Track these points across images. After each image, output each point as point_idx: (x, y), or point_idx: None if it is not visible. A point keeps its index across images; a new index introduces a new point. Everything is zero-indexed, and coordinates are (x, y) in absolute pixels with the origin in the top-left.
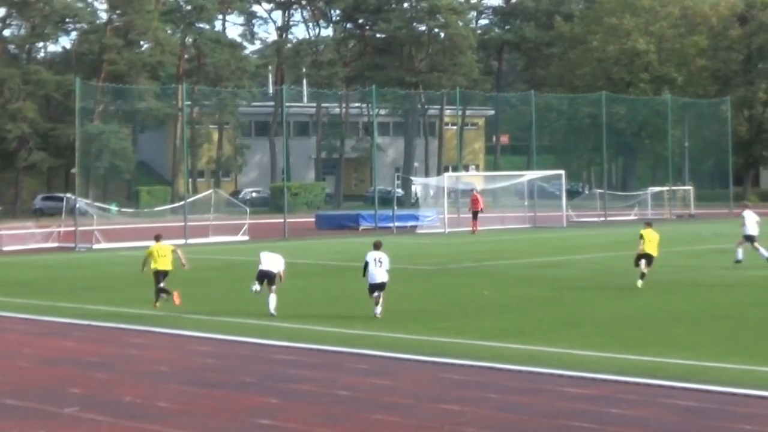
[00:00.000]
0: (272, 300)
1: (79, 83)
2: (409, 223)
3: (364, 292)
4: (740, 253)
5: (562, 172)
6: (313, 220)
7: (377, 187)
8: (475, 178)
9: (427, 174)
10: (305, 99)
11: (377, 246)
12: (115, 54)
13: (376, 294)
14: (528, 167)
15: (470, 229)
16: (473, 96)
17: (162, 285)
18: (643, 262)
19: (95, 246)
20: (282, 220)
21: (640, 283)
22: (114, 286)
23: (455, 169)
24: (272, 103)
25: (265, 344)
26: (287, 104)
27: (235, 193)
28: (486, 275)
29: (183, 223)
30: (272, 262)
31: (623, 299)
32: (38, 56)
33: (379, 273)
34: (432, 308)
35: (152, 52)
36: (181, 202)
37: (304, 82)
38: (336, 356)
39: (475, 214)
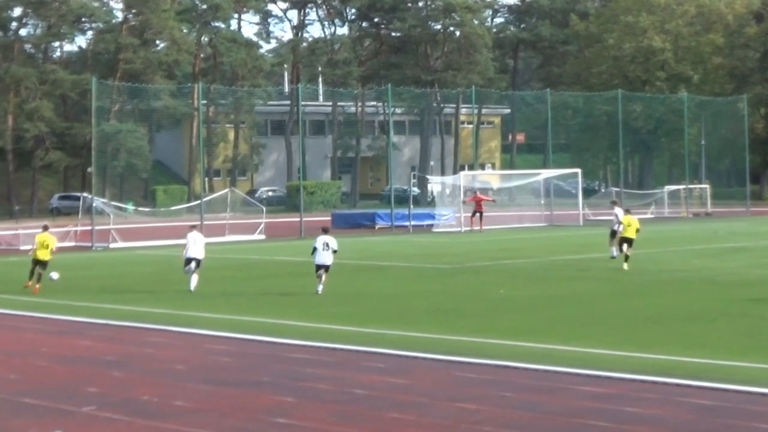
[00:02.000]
0: (195, 280)
1: (95, 82)
2: (425, 222)
3: (381, 290)
4: None
5: (578, 170)
6: (329, 218)
7: (393, 185)
8: (491, 177)
9: (443, 173)
10: (321, 98)
11: (325, 230)
12: (131, 53)
13: (320, 272)
14: (544, 166)
15: (476, 228)
16: (489, 94)
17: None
18: (625, 246)
19: (112, 245)
20: (298, 219)
21: (626, 265)
22: (130, 285)
23: (471, 168)
24: (288, 102)
25: (281, 343)
26: (303, 103)
27: (252, 192)
28: (502, 274)
29: (199, 222)
30: (198, 249)
31: (639, 298)
32: (54, 56)
33: (325, 255)
34: (447, 307)
35: (168, 51)
36: (198, 201)
37: (320, 80)
38: (351, 355)
39: (476, 214)
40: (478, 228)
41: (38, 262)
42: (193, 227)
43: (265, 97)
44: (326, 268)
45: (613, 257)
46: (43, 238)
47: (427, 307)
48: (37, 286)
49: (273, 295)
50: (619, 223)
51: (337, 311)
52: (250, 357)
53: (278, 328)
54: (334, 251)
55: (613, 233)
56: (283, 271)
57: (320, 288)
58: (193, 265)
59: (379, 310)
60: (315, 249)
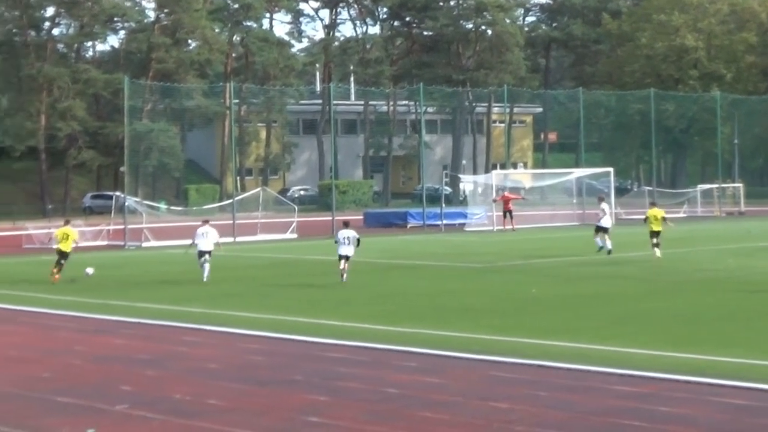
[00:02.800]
0: (207, 269)
1: (128, 82)
2: (458, 221)
3: (414, 289)
4: None
5: (610, 169)
6: (361, 217)
7: (425, 184)
8: (523, 176)
9: (475, 171)
10: (353, 97)
11: (346, 224)
12: (163, 52)
13: (343, 262)
14: (576, 165)
15: (508, 228)
16: (521, 93)
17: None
18: (654, 239)
19: (144, 244)
20: (330, 218)
21: (658, 252)
22: (163, 283)
23: (503, 167)
24: (320, 101)
25: (314, 342)
26: (335, 102)
27: (284, 191)
28: (534, 273)
29: (231, 221)
30: (208, 241)
31: (673, 296)
32: (87, 55)
33: (347, 248)
34: (480, 306)
35: (200, 50)
36: (230, 200)
37: (352, 80)
38: (384, 354)
39: (507, 213)
40: (511, 227)
41: (60, 254)
42: (205, 221)
43: (296, 97)
44: (347, 258)
45: (600, 248)
46: (63, 232)
47: (460, 306)
48: (57, 276)
49: (306, 294)
50: (603, 216)
51: (369, 310)
52: (284, 356)
53: (311, 327)
54: (357, 240)
55: (598, 228)
56: (315, 270)
57: (344, 277)
58: (207, 257)
59: (411, 309)
60: (337, 242)
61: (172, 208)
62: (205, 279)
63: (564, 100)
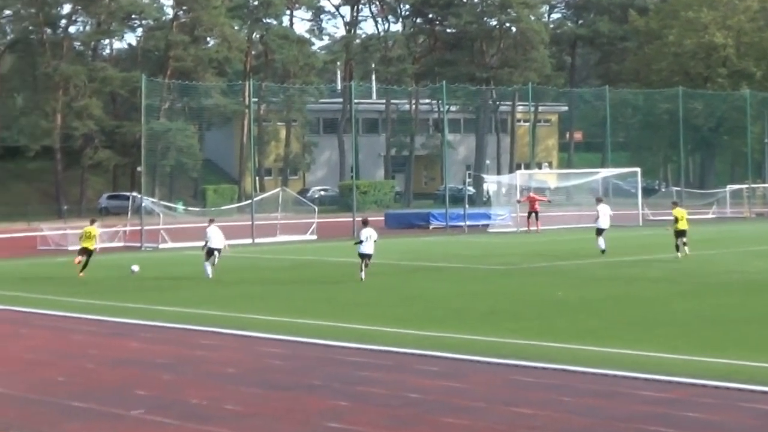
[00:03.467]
0: (209, 269)
1: (145, 80)
2: (481, 222)
3: (436, 291)
4: None
5: (637, 169)
6: (383, 218)
7: (448, 185)
8: (548, 176)
9: (499, 171)
10: (374, 95)
11: (366, 223)
12: (181, 50)
13: (365, 262)
14: (602, 164)
15: (532, 229)
16: (546, 92)
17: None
18: (680, 239)
19: (161, 245)
20: (351, 219)
21: (687, 250)
22: (180, 286)
23: (528, 167)
24: (341, 100)
25: (334, 345)
26: (356, 101)
27: (303, 192)
28: (560, 275)
29: (250, 222)
30: (218, 239)
31: (701, 299)
32: (104, 53)
33: (369, 246)
34: (504, 309)
35: (219, 48)
36: (248, 201)
37: (373, 78)
38: (406, 358)
39: (532, 215)
40: (535, 228)
41: (83, 251)
42: (211, 221)
43: (317, 95)
44: (369, 256)
45: (603, 250)
46: (87, 230)
47: (483, 309)
48: (81, 274)
49: (326, 296)
50: (600, 217)
51: (391, 313)
52: (303, 360)
53: (331, 330)
54: (375, 240)
55: (598, 231)
56: (335, 272)
57: (362, 275)
58: (216, 254)
59: (433, 312)
60: (361, 241)
61: (190, 209)
62: (210, 275)
63: (590, 98)
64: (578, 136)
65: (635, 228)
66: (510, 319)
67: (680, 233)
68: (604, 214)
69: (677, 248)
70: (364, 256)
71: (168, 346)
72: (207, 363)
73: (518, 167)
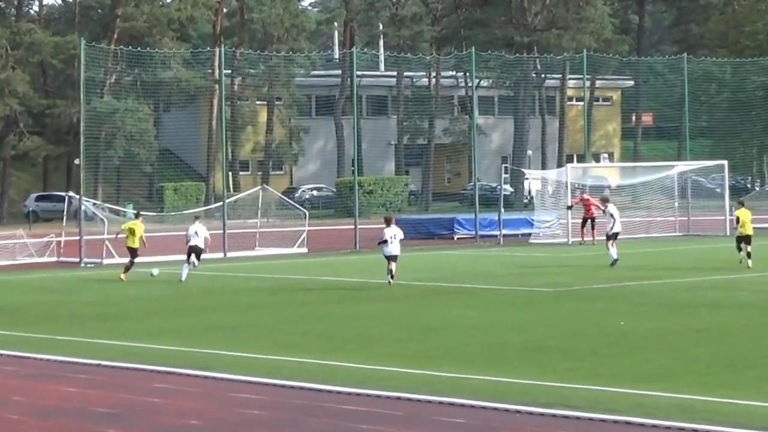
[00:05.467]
0: (186, 270)
1: (85, 46)
2: (521, 231)
3: (462, 321)
4: None
5: (724, 162)
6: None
7: (478, 182)
8: (607, 171)
9: (544, 165)
10: (382, 66)
11: (389, 221)
12: (131, 8)
13: (392, 265)
14: (678, 156)
15: (587, 240)
16: (605, 62)
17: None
18: (743, 245)
19: (106, 261)
20: (352, 227)
21: (750, 263)
22: (129, 313)
23: (581, 159)
24: (339, 72)
25: (329, 390)
26: (358, 73)
27: (290, 191)
28: (623, 300)
29: (221, 231)
30: (200, 239)
31: None
32: (30, 11)
33: (394, 247)
34: (550, 344)
35: (181, 5)
36: (219, 203)
37: (381, 44)
38: (422, 407)
39: (588, 222)
40: (591, 239)
41: (130, 251)
42: (196, 218)
43: (308, 66)
44: (395, 258)
45: (614, 261)
46: (129, 227)
47: (523, 343)
48: (123, 275)
49: (319, 327)
50: (614, 222)
51: (402, 349)
52: (288, 409)
53: (325, 370)
54: (401, 240)
55: (609, 236)
56: (331, 296)
57: (391, 280)
58: (193, 257)
59: (458, 348)
60: (385, 241)
61: (143, 213)
62: (183, 279)
63: (663, 70)
64: (647, 119)
65: (721, 238)
66: (558, 357)
67: (743, 239)
68: (616, 217)
69: (747, 255)
70: (390, 258)
71: (113, 392)
72: (163, 413)
73: (569, 159)
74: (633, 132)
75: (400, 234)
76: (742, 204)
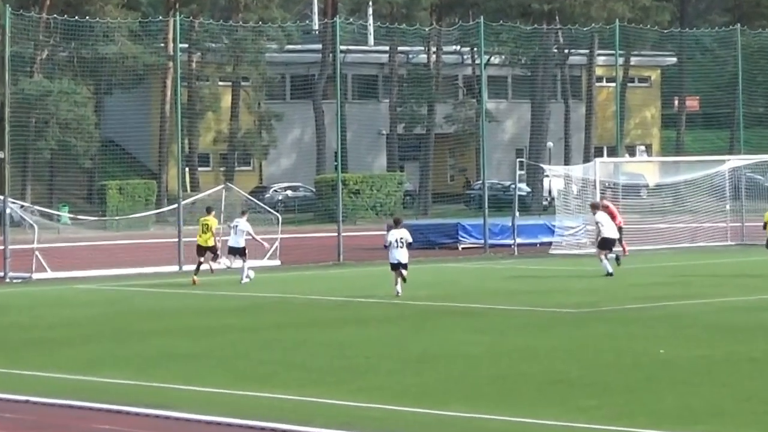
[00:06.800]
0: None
1: (10, 15)
2: (540, 239)
3: (469, 348)
4: None
5: None
6: (384, 233)
7: (488, 180)
8: (644, 167)
9: (567, 160)
10: (371, 40)
11: (397, 222)
12: None
13: (399, 273)
14: (731, 149)
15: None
16: (642, 34)
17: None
18: None
19: (36, 275)
20: (334, 235)
21: None
22: (67, 339)
23: (613, 153)
24: (319, 47)
25: None
26: (343, 48)
27: (260, 192)
28: (663, 323)
29: (176, 239)
30: (238, 237)
31: None
32: None
33: (401, 253)
34: (575, 375)
35: None
36: (173, 206)
37: (370, 12)
38: None
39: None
40: (621, 250)
41: (199, 249)
42: (243, 212)
43: (281, 39)
44: (404, 266)
45: (608, 273)
46: (203, 222)
47: (542, 375)
48: (195, 278)
49: (296, 355)
50: (603, 227)
51: (396, 382)
52: None
53: (303, 408)
54: (409, 244)
55: (602, 242)
56: (310, 317)
57: (398, 288)
58: (226, 259)
59: (463, 381)
60: (390, 245)
61: (81, 217)
62: (247, 279)
63: (712, 44)
64: (693, 104)
65: None
66: (584, 392)
67: None
68: (608, 222)
69: None
70: (396, 266)
71: None
72: None
73: (598, 153)
74: (675, 120)
75: (407, 237)
76: None
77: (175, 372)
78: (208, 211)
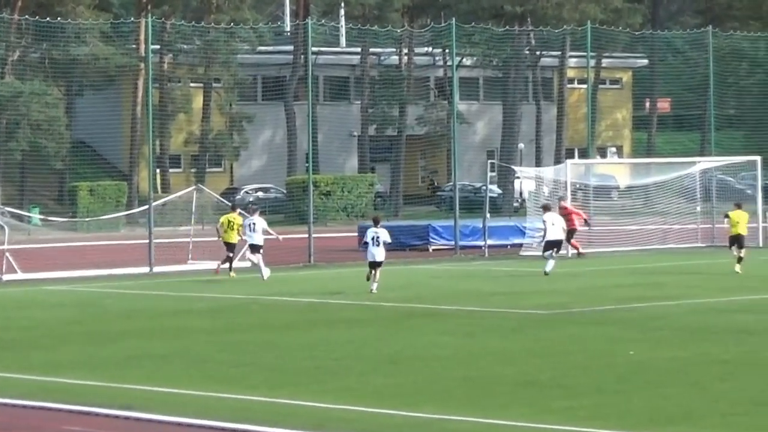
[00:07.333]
0: (263, 268)
1: None
2: (511, 240)
3: (440, 350)
4: None
5: (757, 158)
6: (356, 235)
7: (459, 182)
8: (616, 168)
9: (538, 162)
10: (343, 41)
11: (376, 222)
12: None
13: (374, 272)
14: (702, 151)
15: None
16: (614, 36)
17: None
18: (734, 247)
19: (6, 277)
20: (305, 236)
21: (738, 267)
22: (37, 341)
23: (584, 155)
24: (290, 49)
25: None
26: (314, 49)
27: (231, 193)
28: (633, 324)
29: (146, 240)
30: (258, 234)
31: None
32: None
33: (377, 252)
34: (546, 377)
35: None
36: (144, 207)
37: (342, 13)
38: None
39: (570, 234)
40: (576, 252)
41: (227, 245)
42: (254, 210)
43: (253, 41)
44: (378, 264)
45: (546, 272)
46: (227, 219)
47: (513, 377)
48: (231, 274)
49: (268, 358)
50: (547, 229)
51: (367, 384)
52: None
53: (274, 410)
54: (386, 243)
55: (549, 244)
56: (281, 319)
57: (374, 287)
58: (250, 255)
59: (435, 383)
60: (366, 244)
61: (52, 219)
62: (264, 278)
63: (683, 46)
64: (664, 105)
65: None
66: (555, 394)
67: (735, 239)
68: (555, 224)
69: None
70: (372, 265)
71: None
72: None
73: (569, 155)
74: (647, 121)
75: (385, 236)
76: (739, 206)
77: (146, 373)
78: (233, 208)
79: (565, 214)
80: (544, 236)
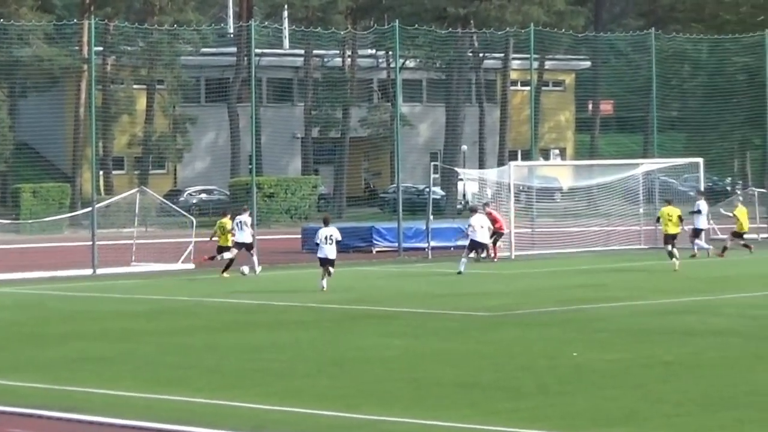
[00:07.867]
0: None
1: None
2: (454, 243)
3: (383, 352)
4: None
5: (699, 160)
6: (299, 237)
7: (402, 183)
8: (559, 170)
9: (481, 163)
10: (286, 43)
11: (326, 221)
12: None
13: (326, 269)
14: (644, 153)
15: (483, 256)
16: (556, 38)
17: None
18: (669, 245)
19: None
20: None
21: (677, 264)
22: None
23: (527, 156)
24: (234, 50)
25: None
26: (258, 51)
27: (174, 195)
28: (577, 326)
29: (90, 242)
30: (246, 233)
31: None
32: None
33: (330, 250)
34: (489, 378)
35: None
36: (87, 209)
37: (285, 15)
38: None
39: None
40: (493, 255)
41: (219, 249)
42: (245, 209)
43: (196, 42)
44: (331, 262)
45: (459, 272)
46: (220, 224)
47: (456, 378)
48: (225, 273)
49: (210, 359)
50: (473, 230)
51: (310, 386)
52: None
53: (216, 412)
54: (338, 241)
55: (473, 244)
56: (224, 321)
57: (324, 283)
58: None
59: (378, 384)
60: (318, 244)
61: None
62: (257, 272)
63: (626, 48)
64: (607, 107)
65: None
66: (499, 396)
67: (669, 238)
68: (483, 227)
69: (670, 256)
70: (324, 262)
71: None
72: None
73: (512, 157)
74: (589, 123)
75: (337, 235)
76: (669, 203)
77: (88, 375)
78: (224, 214)
79: (492, 219)
80: (467, 236)
